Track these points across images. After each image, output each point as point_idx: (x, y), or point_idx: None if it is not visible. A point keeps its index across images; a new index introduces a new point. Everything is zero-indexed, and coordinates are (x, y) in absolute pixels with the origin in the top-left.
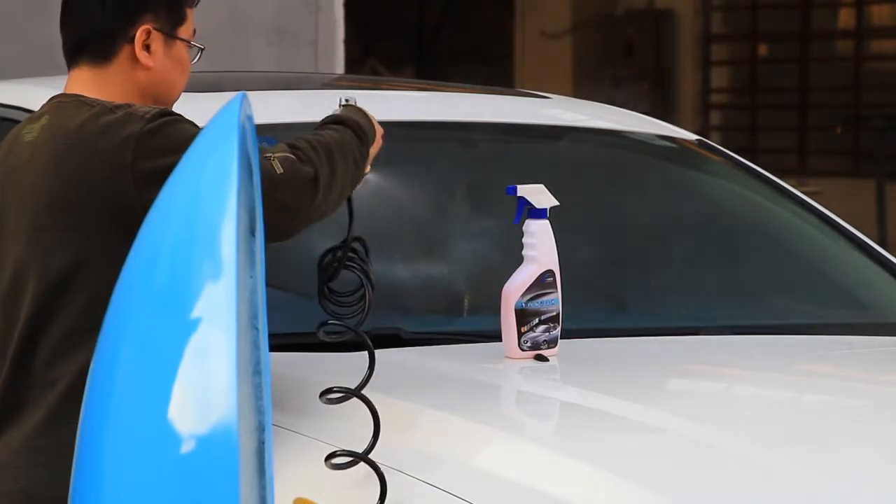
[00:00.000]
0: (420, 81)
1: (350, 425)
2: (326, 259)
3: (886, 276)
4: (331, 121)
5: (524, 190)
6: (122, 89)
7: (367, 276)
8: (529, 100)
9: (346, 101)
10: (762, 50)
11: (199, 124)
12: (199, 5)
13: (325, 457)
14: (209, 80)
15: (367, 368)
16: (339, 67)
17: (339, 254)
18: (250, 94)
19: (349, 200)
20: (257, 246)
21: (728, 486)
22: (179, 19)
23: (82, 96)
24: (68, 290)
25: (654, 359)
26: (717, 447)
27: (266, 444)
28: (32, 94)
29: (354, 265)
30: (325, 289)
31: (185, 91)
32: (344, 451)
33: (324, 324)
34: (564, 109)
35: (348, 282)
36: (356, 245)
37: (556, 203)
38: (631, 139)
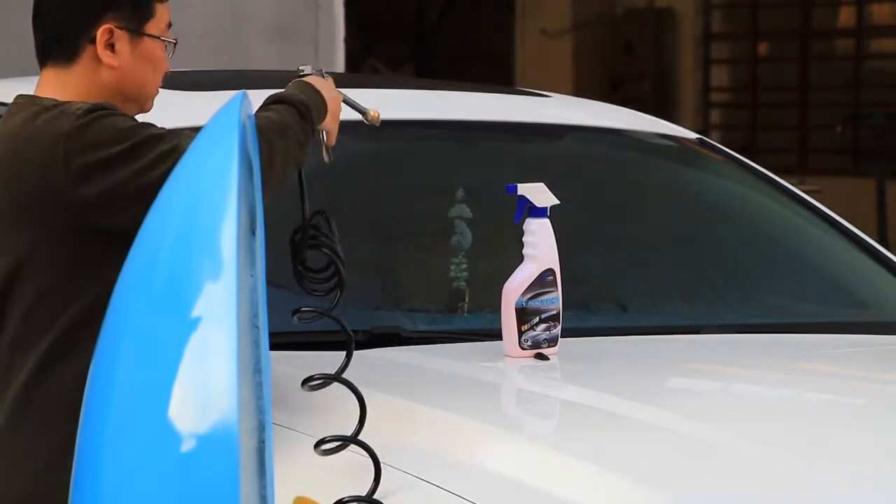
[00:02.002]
0: (420, 80)
1: (351, 425)
2: (297, 237)
3: (887, 274)
4: (273, 100)
5: (524, 188)
6: (86, 89)
7: (335, 252)
8: (529, 99)
9: (302, 71)
10: (762, 49)
11: (200, 123)
12: (199, 4)
13: (314, 444)
14: (209, 79)
15: (345, 354)
16: (339, 66)
17: (302, 234)
18: (250, 92)
19: (300, 179)
20: (258, 245)
21: (729, 485)
22: (146, 15)
23: (37, 97)
24: (13, 295)
25: (655, 358)
26: (717, 446)
27: (266, 443)
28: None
29: (319, 242)
30: (300, 268)
31: (185, 89)
32: (333, 436)
33: (298, 310)
34: (564, 108)
35: (322, 259)
36: (318, 221)
37: (557, 202)
38: (631, 138)
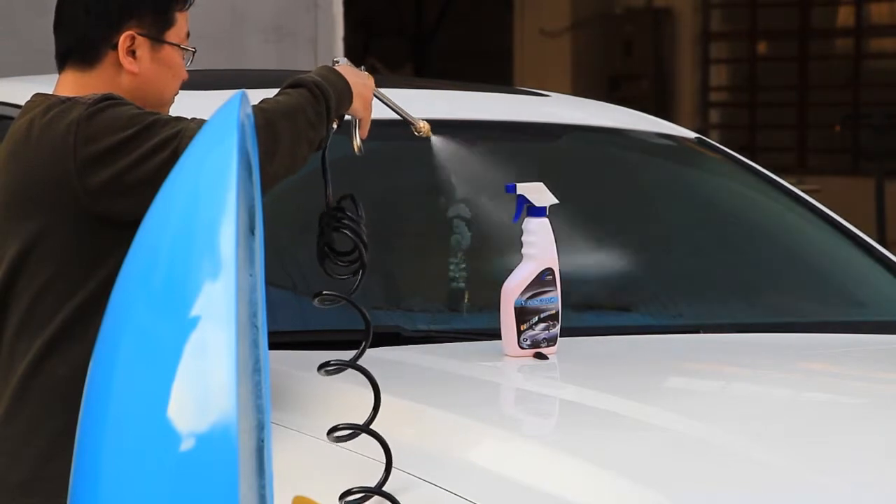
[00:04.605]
0: (419, 79)
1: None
2: (323, 221)
3: (885, 274)
4: (289, 85)
5: (523, 188)
6: (121, 90)
7: (359, 236)
8: (528, 98)
9: (336, 61)
10: (761, 48)
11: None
12: (198, 4)
13: (326, 431)
14: (208, 78)
15: (363, 340)
16: None
17: (331, 215)
18: (249, 92)
19: (323, 160)
20: (257, 244)
21: (728, 484)
22: (167, 23)
23: (51, 95)
24: (21, 281)
25: (654, 357)
26: (716, 445)
27: (265, 443)
28: (30, 93)
29: (344, 225)
30: (325, 249)
31: (184, 89)
32: (346, 424)
33: (318, 294)
34: (563, 108)
35: (346, 242)
36: (345, 204)
37: (556, 201)
38: (630, 137)
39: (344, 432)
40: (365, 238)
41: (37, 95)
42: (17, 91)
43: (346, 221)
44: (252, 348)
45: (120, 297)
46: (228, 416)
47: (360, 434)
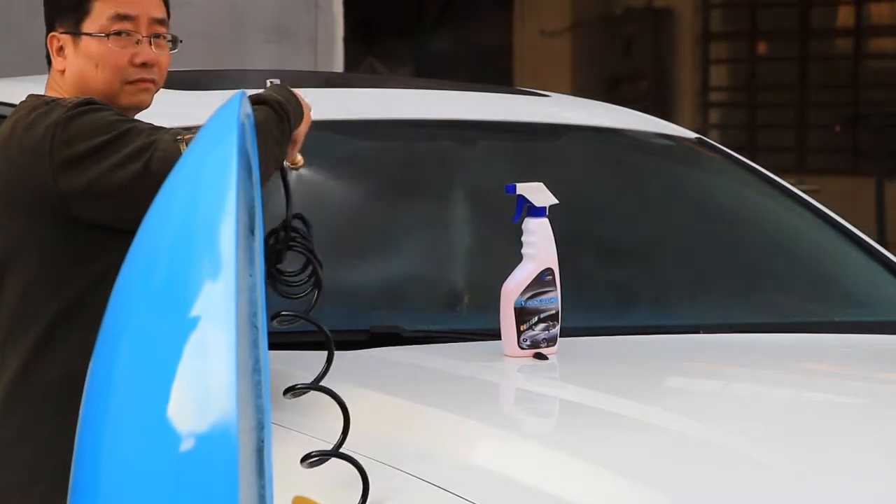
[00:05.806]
0: (419, 80)
1: (351, 424)
2: (270, 241)
3: (885, 274)
4: (251, 102)
5: (523, 188)
6: (62, 90)
7: (313, 254)
8: (528, 98)
9: (271, 82)
10: (761, 48)
11: (199, 123)
12: (198, 4)
13: (299, 459)
14: (208, 79)
15: (325, 361)
16: (339, 65)
17: (282, 234)
18: (249, 92)
19: (284, 179)
20: (256, 244)
21: (728, 484)
22: (81, 15)
23: (40, 95)
24: (3, 281)
25: (654, 357)
26: (716, 445)
27: (265, 443)
28: (27, 93)
29: (297, 244)
30: (274, 270)
31: (185, 89)
32: (318, 451)
33: (278, 314)
34: (563, 108)
35: (297, 261)
36: (297, 223)
37: (556, 201)
38: (630, 137)
39: (315, 458)
40: (318, 256)
41: (30, 96)
42: (17, 91)
43: (299, 240)
44: (252, 348)
45: (120, 297)
46: (228, 416)
47: (329, 458)
